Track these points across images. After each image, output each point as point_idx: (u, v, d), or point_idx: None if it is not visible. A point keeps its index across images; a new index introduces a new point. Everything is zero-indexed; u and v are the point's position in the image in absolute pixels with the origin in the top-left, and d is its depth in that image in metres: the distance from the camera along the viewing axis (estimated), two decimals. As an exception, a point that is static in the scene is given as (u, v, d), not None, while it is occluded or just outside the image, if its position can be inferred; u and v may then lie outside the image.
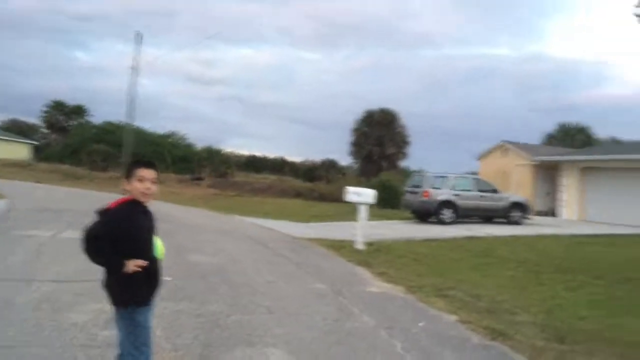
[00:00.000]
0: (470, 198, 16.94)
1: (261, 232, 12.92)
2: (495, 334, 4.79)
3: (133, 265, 2.44)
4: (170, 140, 45.85)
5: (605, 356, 4.37)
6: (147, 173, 2.57)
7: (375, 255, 9.77)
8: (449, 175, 17.51)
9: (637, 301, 7.47)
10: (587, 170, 20.84)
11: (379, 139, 36.65)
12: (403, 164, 39.08)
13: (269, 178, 42.74)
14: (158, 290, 2.69)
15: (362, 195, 10.28)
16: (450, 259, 10.23)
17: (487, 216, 17.48)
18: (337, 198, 26.90)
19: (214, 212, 18.39)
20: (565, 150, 26.80)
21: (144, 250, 2.56)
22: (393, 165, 36.91)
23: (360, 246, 10.35)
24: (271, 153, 64.65)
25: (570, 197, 21.27)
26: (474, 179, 17.90)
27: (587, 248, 12.68)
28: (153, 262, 2.61)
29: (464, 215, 16.94)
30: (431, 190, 16.57)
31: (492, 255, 10.92)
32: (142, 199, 2.58)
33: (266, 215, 18.14)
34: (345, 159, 43.53)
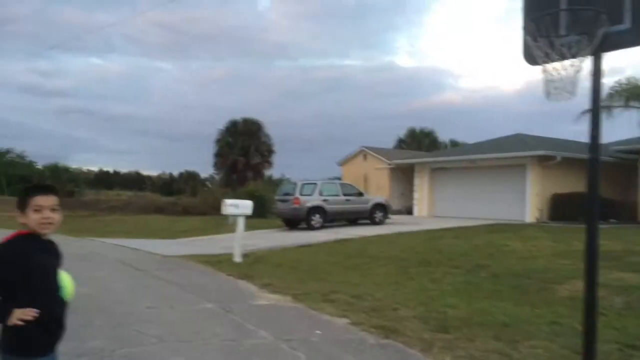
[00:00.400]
0: (338, 202, 17.70)
1: (127, 254, 12.06)
2: (387, 332, 5.06)
3: (20, 316, 2.08)
4: (4, 159, 40.62)
5: (484, 339, 4.87)
6: (45, 200, 2.22)
7: (255, 267, 9.72)
8: (317, 181, 18.09)
9: (490, 285, 8.43)
10: (436, 170, 23.07)
11: (244, 149, 36.56)
12: (268, 173, 39.50)
13: (123, 194, 40.06)
14: (61, 337, 2.35)
15: (240, 207, 10.18)
16: (327, 262, 10.58)
17: (353, 218, 18.41)
18: (203, 211, 26.25)
19: (66, 236, 16.69)
20: (418, 154, 29.37)
21: (45, 292, 2.21)
22: (259, 174, 37.08)
23: (238, 259, 10.21)
24: (123, 168, 60.57)
25: (422, 196, 23.32)
26: (341, 183, 18.75)
27: (441, 241, 13.96)
28: (57, 304, 2.28)
29: (332, 219, 17.63)
30: (301, 197, 16.95)
31: (364, 255, 11.53)
32: (41, 231, 2.22)
33: (128, 234, 17.01)
34: (206, 171, 42.68)
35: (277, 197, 18.57)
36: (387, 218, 18.92)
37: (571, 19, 3.52)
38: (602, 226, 15.73)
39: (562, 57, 3.45)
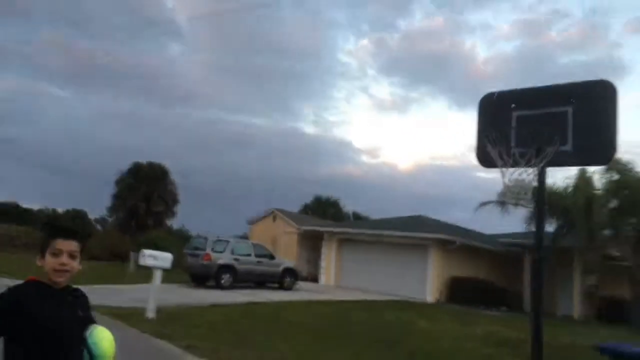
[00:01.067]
0: (249, 263, 17.37)
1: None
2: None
3: None
4: None
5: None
6: (65, 245, 2.02)
7: (170, 325, 9.12)
8: (229, 239, 17.72)
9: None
10: (344, 241, 23.62)
11: (147, 195, 34.91)
12: (170, 223, 37.84)
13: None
14: None
15: (159, 259, 9.65)
16: (246, 326, 10.21)
17: (262, 281, 18.09)
18: (95, 255, 24.31)
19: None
20: (327, 223, 29.94)
21: (56, 352, 1.95)
22: (160, 223, 35.38)
23: (151, 314, 9.54)
24: (-3, 196, 54.28)
25: (329, 265, 23.61)
26: (253, 244, 18.50)
27: (353, 313, 14.12)
28: None
29: (242, 279, 17.19)
30: (212, 254, 16.44)
31: (280, 321, 11.31)
32: (54, 279, 2.00)
33: (11, 275, 15.21)
34: (96, 212, 39.99)
35: (186, 251, 17.81)
36: (296, 284, 18.84)
37: (523, 135, 4.03)
38: (495, 314, 16.93)
39: (516, 166, 3.92)
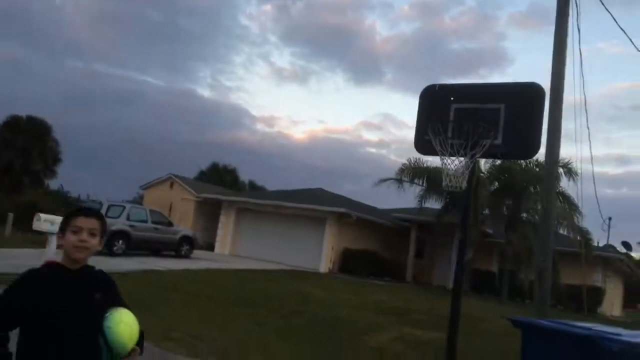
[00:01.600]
0: (145, 230, 16.77)
1: None
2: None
3: None
4: None
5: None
6: (86, 222, 2.00)
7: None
8: (125, 205, 16.92)
9: (310, 333, 9.05)
10: (243, 211, 23.61)
11: (25, 151, 31.83)
12: (48, 182, 34.89)
13: None
14: None
15: (55, 223, 9.02)
16: (146, 295, 9.96)
17: (158, 249, 17.59)
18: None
19: None
20: (226, 191, 29.57)
21: (57, 338, 1.85)
22: (38, 182, 32.53)
23: (43, 283, 8.96)
24: None
25: (226, 234, 23.51)
26: (150, 210, 17.83)
27: (252, 283, 14.34)
28: (77, 353, 1.89)
29: (136, 247, 16.57)
30: (106, 219, 15.60)
31: (181, 290, 11.19)
32: (74, 255, 1.98)
33: None
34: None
35: (76, 215, 16.69)
36: (192, 252, 18.59)
37: (460, 127, 4.44)
38: (381, 283, 18.15)
39: (452, 155, 4.32)
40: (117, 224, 15.90)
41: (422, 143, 4.42)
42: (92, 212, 2.11)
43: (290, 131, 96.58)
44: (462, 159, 4.08)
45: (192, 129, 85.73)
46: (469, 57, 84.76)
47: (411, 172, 20.00)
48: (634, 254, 24.11)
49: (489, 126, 4.05)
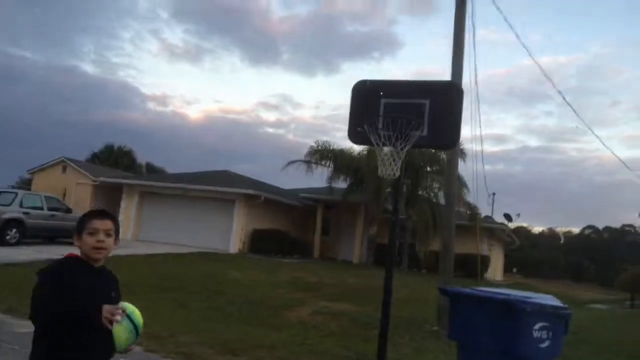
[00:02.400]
0: (41, 217, 15.71)
1: None
2: (187, 358, 5.37)
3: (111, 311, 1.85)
4: None
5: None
6: (101, 224, 2.12)
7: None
8: (18, 191, 15.69)
9: (233, 311, 9.28)
10: (146, 194, 22.81)
11: None
12: None
13: None
14: None
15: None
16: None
17: (56, 236, 16.58)
18: None
19: None
20: (125, 174, 28.21)
21: (86, 328, 1.91)
22: None
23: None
24: None
25: (128, 218, 22.59)
26: (46, 196, 16.64)
27: (165, 267, 14.12)
28: (97, 342, 1.96)
29: (32, 235, 15.50)
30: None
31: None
32: (93, 255, 2.09)
33: None
34: None
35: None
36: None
37: (389, 120, 4.89)
38: (291, 261, 18.87)
39: (384, 145, 4.77)
40: (9, 211, 14.74)
41: (355, 134, 4.81)
42: (106, 213, 2.24)
43: (185, 110, 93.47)
44: (392, 148, 4.52)
45: (78, 108, 79.81)
46: (362, 40, 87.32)
47: (319, 155, 20.64)
48: (512, 225, 27.02)
49: (415, 119, 4.52)
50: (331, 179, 20.25)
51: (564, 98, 13.75)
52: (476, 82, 9.09)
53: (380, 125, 4.54)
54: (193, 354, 5.55)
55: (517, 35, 9.43)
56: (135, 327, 1.95)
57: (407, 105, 4.59)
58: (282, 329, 8.09)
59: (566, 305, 4.21)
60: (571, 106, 18.46)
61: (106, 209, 2.37)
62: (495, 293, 4.01)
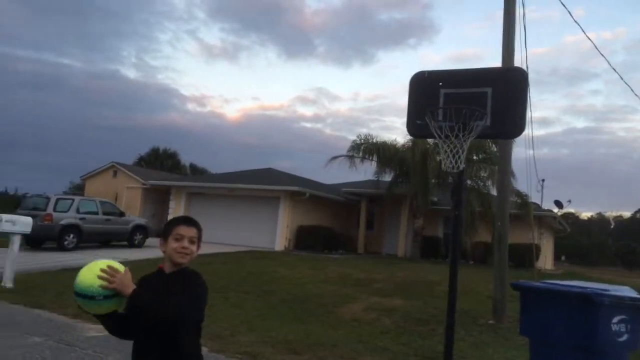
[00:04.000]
0: (96, 222, 16.28)
1: None
2: (252, 357, 5.44)
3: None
4: None
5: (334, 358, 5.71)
6: (186, 230, 2.22)
7: (34, 293, 8.41)
8: (74, 197, 16.30)
9: (286, 310, 9.34)
10: (193, 195, 23.30)
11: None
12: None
13: None
14: None
15: (17, 223, 8.66)
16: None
17: (109, 240, 17.17)
18: None
19: None
20: (172, 176, 28.92)
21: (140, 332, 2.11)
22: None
23: (9, 284, 8.64)
24: None
25: (176, 219, 23.11)
26: (101, 201, 17.25)
27: (214, 267, 14.32)
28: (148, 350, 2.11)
29: (88, 240, 16.09)
30: (54, 214, 15.00)
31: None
32: (177, 260, 2.19)
33: None
34: None
35: (20, 212, 15.89)
36: (145, 241, 18.26)
37: (450, 111, 4.76)
38: (336, 257, 18.73)
39: (445, 138, 4.64)
40: (67, 217, 15.34)
41: (414, 127, 4.70)
42: (192, 221, 2.32)
43: (224, 110, 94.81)
44: (454, 140, 4.39)
45: (119, 113, 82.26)
46: (398, 28, 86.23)
47: (362, 149, 20.51)
48: (561, 212, 26.13)
49: (478, 109, 4.39)
50: (378, 173, 20.04)
51: (617, 73, 13.10)
52: (527, 65, 8.80)
53: (440, 117, 4.42)
54: (257, 354, 5.60)
55: (570, 12, 9.04)
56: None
57: (468, 95, 4.46)
58: (337, 327, 8.08)
59: (645, 298, 4.01)
60: (626, 82, 17.59)
61: (191, 217, 2.40)
62: (571, 286, 3.85)
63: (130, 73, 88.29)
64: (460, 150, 4.33)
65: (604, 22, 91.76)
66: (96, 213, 16.43)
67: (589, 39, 19.12)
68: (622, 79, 9.95)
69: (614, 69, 12.20)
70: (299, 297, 10.42)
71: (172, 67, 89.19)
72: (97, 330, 6.25)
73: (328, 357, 5.83)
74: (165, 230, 2.26)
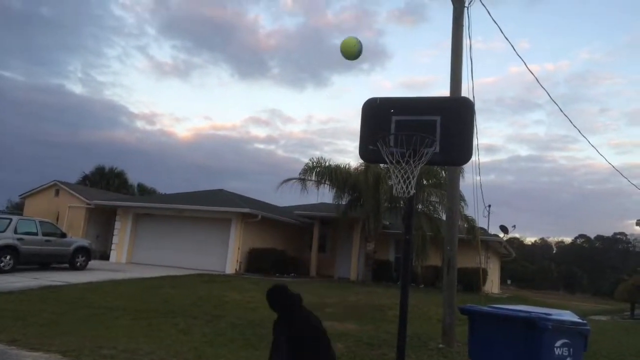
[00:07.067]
0: (36, 243, 15.45)
1: None
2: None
3: None
4: None
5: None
6: None
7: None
8: (12, 217, 15.42)
9: (238, 335, 9.10)
10: (141, 216, 22.57)
11: None
12: None
13: None
14: None
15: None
16: (54, 313, 9.30)
17: (50, 262, 16.33)
18: None
19: None
20: (119, 196, 27.94)
21: None
22: None
23: None
24: None
25: (122, 241, 22.33)
26: (40, 221, 16.40)
27: (162, 290, 13.88)
28: None
29: (26, 261, 15.23)
30: (-9, 234, 14.16)
31: (90, 305, 10.57)
32: None
33: None
34: None
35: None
36: (87, 263, 17.49)
37: (401, 137, 4.85)
38: (286, 280, 18.60)
39: (397, 164, 4.72)
40: (4, 238, 14.49)
41: (367, 152, 4.76)
42: None
43: (174, 129, 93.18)
44: (405, 166, 4.46)
45: (63, 130, 79.30)
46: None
47: (315, 172, 20.58)
48: (506, 237, 27.04)
49: (428, 136, 4.49)
50: (336, 197, 20.10)
51: (557, 106, 13.85)
52: (473, 95, 9.13)
53: (392, 143, 4.50)
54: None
55: (513, 46, 9.51)
56: None
57: (418, 122, 4.57)
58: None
59: (585, 321, 4.17)
60: (565, 114, 18.55)
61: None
62: (516, 311, 3.95)
63: (76, 88, 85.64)
64: (411, 176, 4.40)
65: (548, 55, 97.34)
66: (35, 234, 15.60)
67: (531, 72, 20.19)
68: (561, 111, 10.62)
69: (554, 101, 12.98)
70: (250, 322, 10.19)
71: (120, 84, 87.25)
72: (32, 358, 5.87)
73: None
74: None
